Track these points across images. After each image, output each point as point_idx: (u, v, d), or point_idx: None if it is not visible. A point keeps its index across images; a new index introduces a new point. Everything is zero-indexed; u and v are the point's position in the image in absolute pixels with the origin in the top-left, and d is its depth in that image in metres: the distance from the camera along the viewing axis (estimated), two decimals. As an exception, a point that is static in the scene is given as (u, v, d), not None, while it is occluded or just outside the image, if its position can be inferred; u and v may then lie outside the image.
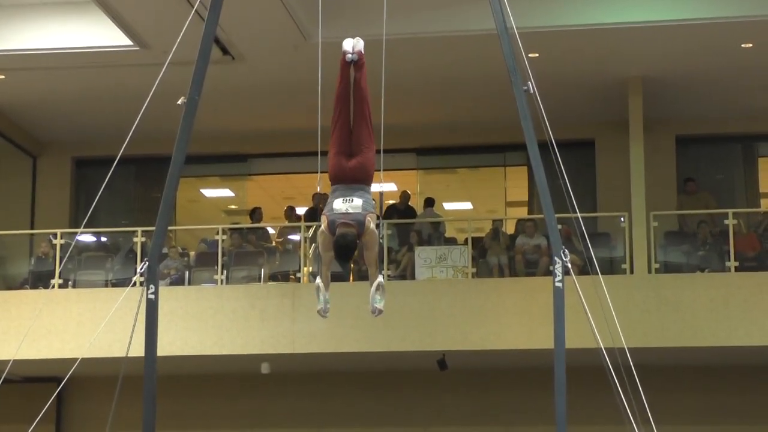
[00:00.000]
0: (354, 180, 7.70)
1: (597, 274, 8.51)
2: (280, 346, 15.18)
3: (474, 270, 15.72)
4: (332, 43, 15.13)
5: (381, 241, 14.37)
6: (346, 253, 7.58)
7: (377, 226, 7.74)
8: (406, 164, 18.63)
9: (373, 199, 7.79)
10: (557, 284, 7.73)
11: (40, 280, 16.49)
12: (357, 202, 7.59)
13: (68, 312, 15.39)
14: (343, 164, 7.72)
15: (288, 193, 19.99)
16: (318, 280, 7.84)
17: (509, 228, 17.17)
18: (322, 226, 7.65)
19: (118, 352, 13.40)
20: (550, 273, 7.99)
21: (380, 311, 7.78)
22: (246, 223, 17.71)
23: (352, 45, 7.93)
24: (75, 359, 9.35)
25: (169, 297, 14.42)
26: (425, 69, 15.56)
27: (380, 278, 7.81)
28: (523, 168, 18.23)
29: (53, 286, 15.79)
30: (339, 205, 7.60)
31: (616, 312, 8.39)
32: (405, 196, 17.70)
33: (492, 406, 17.28)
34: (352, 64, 7.91)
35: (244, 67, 15.64)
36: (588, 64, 15.73)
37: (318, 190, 8.49)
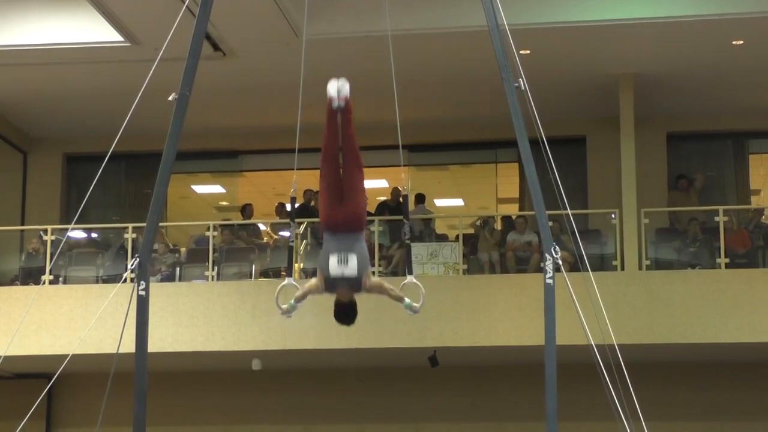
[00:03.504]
0: (347, 229, 7.63)
1: (588, 270, 8.52)
2: (272, 343, 15.18)
3: (465, 266, 15.73)
4: (324, 40, 15.17)
5: (372, 240, 14.43)
6: (346, 318, 7.63)
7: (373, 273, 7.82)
8: (397, 161, 18.60)
9: (366, 242, 7.80)
10: (548, 281, 7.74)
11: (30, 276, 16.47)
12: (353, 263, 7.51)
13: (59, 308, 15.37)
14: (335, 213, 7.63)
15: (279, 189, 19.98)
16: (287, 281, 7.84)
17: (500, 224, 17.18)
18: (317, 282, 7.64)
19: (108, 348, 13.38)
20: (540, 270, 8.00)
21: (417, 310, 7.86)
22: (237, 220, 17.71)
23: (337, 89, 7.53)
24: (66, 356, 9.34)
25: (159, 293, 14.42)
26: (416, 66, 15.55)
27: (410, 278, 7.95)
28: (514, 165, 18.24)
29: (44, 283, 15.76)
30: (334, 266, 7.52)
31: (607, 309, 8.40)
32: (396, 193, 17.70)
33: (483, 403, 17.30)
34: (339, 111, 7.57)
35: (235, 64, 15.63)
36: (579, 61, 15.74)
37: (292, 190, 8.49)
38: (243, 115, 18.05)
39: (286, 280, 7.96)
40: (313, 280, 7.76)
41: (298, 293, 7.89)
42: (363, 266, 7.57)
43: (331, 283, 7.56)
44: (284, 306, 7.94)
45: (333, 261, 7.53)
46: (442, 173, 20.16)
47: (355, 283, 7.54)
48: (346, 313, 7.60)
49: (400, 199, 17.66)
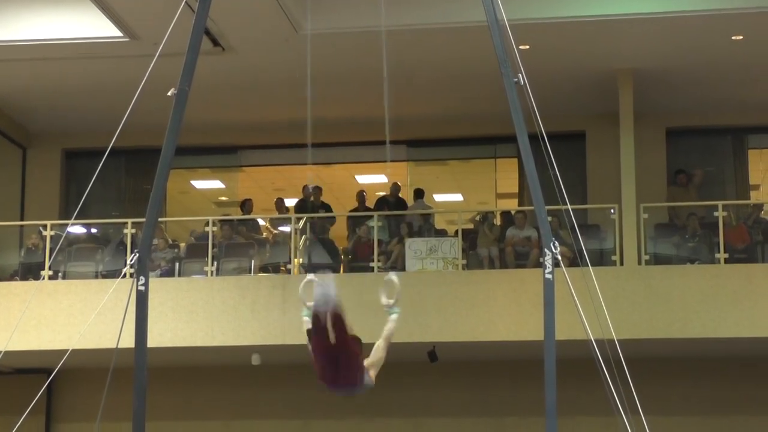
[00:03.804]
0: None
1: (587, 265, 8.54)
2: (271, 338, 15.18)
3: (464, 262, 15.72)
4: (323, 35, 15.16)
5: (371, 236, 14.41)
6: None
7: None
8: (397, 156, 18.62)
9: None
10: (547, 276, 7.76)
11: (30, 271, 16.47)
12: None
13: (58, 303, 15.37)
14: (332, 384, 7.69)
15: (278, 184, 19.99)
16: (311, 276, 7.65)
17: (499, 220, 17.19)
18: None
19: (108, 343, 13.36)
20: (540, 265, 8.02)
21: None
22: (236, 215, 17.71)
23: (322, 296, 7.04)
24: (65, 351, 9.36)
25: (159, 288, 14.42)
26: (415, 61, 15.55)
27: (392, 276, 7.67)
28: (513, 160, 18.24)
29: (43, 278, 15.76)
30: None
31: (606, 303, 8.42)
32: (395, 188, 17.70)
33: (482, 398, 17.31)
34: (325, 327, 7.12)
35: (234, 59, 15.62)
36: (579, 56, 15.74)
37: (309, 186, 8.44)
38: (242, 111, 18.04)
39: (309, 276, 7.77)
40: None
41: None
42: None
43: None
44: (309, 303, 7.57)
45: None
46: (441, 168, 20.16)
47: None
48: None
49: (400, 195, 17.71)
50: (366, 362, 7.51)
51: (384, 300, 7.63)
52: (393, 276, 7.68)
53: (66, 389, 17.68)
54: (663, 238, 16.09)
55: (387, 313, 7.64)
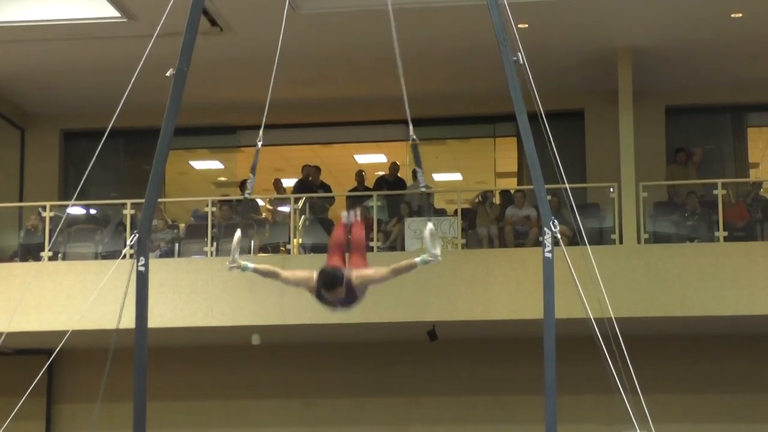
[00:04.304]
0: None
1: (586, 244, 8.54)
2: (271, 318, 15.21)
3: (464, 241, 15.73)
4: (322, 14, 15.10)
5: (371, 216, 14.41)
6: (331, 280, 7.60)
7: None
8: (396, 135, 18.60)
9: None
10: (547, 255, 7.76)
11: (29, 252, 16.48)
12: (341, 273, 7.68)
13: (58, 284, 15.39)
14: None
15: (277, 164, 19.97)
16: (239, 233, 7.82)
17: (498, 199, 17.18)
18: (306, 277, 7.69)
19: (108, 324, 13.34)
20: (539, 244, 8.01)
21: (437, 256, 7.63)
22: (235, 195, 17.70)
23: (349, 215, 8.23)
24: (66, 332, 9.37)
25: (159, 269, 14.43)
26: (414, 40, 15.48)
27: (429, 225, 7.68)
28: (512, 139, 18.22)
29: (43, 259, 15.77)
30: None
31: (605, 282, 8.42)
32: (394, 168, 17.69)
33: (482, 377, 17.35)
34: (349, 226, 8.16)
35: (232, 39, 15.59)
36: (577, 35, 15.70)
37: (257, 145, 8.51)
38: (241, 91, 17.99)
39: (239, 232, 7.86)
40: (300, 273, 7.80)
41: (262, 267, 7.88)
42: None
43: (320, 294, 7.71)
44: (241, 262, 7.79)
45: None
46: (440, 148, 20.13)
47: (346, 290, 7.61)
48: (333, 276, 7.58)
49: (398, 174, 17.70)
50: (365, 270, 7.71)
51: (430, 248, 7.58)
52: (431, 226, 7.70)
53: (66, 370, 17.72)
54: (662, 216, 16.09)
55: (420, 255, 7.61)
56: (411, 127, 8.00)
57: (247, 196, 8.53)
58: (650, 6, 14.81)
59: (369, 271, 7.73)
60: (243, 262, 7.82)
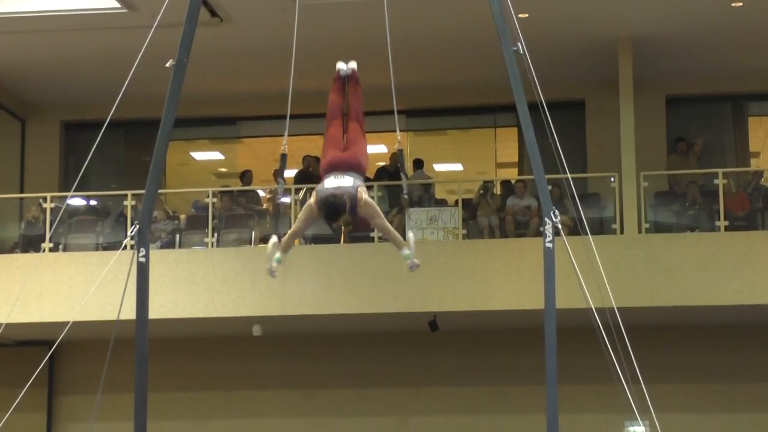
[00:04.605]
0: (347, 168, 7.71)
1: (587, 234, 8.54)
2: (272, 308, 15.21)
3: (464, 231, 15.73)
4: (323, 5, 15.08)
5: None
6: (332, 212, 7.56)
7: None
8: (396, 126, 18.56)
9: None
10: (547, 245, 7.76)
11: (30, 243, 16.48)
12: (348, 179, 7.62)
13: (59, 276, 15.39)
14: (336, 156, 7.77)
15: (277, 155, 19.86)
16: (274, 239, 7.83)
17: (499, 189, 17.17)
18: (311, 200, 7.65)
19: (109, 315, 13.39)
20: (540, 234, 8.01)
21: (417, 265, 7.74)
22: (236, 186, 17.70)
23: (345, 65, 8.15)
24: (66, 323, 9.37)
25: (159, 260, 14.43)
26: (415, 30, 15.49)
27: (410, 234, 7.76)
28: (513, 129, 18.21)
29: (44, 250, 15.77)
30: (330, 182, 7.63)
31: (606, 272, 8.42)
32: (395, 158, 17.67)
33: (483, 367, 17.35)
34: (346, 78, 8.09)
35: (232, 29, 15.57)
36: (578, 25, 15.68)
37: (283, 148, 8.49)
38: (241, 82, 18.00)
39: (273, 238, 7.89)
40: (305, 208, 7.73)
41: (276, 239, 7.82)
42: (357, 182, 7.64)
43: (323, 200, 7.57)
44: (275, 264, 7.80)
45: (329, 179, 7.65)
46: (440, 138, 20.12)
47: (348, 196, 7.54)
48: (335, 204, 7.52)
49: (398, 164, 17.67)
50: (371, 205, 7.72)
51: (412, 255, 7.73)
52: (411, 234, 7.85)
53: (68, 361, 17.73)
54: (663, 206, 16.08)
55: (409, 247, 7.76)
56: (399, 136, 8.01)
57: (279, 200, 8.50)
58: (651, -5, 14.80)
59: (372, 204, 7.69)
60: (275, 263, 7.78)
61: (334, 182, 7.59)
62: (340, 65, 8.13)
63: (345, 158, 7.72)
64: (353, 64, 8.14)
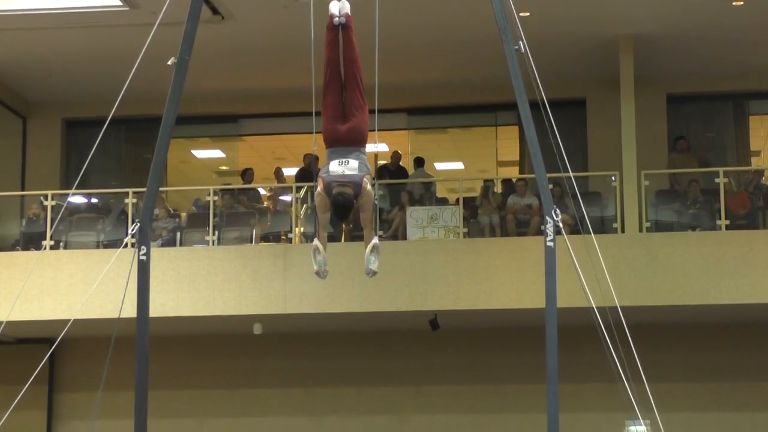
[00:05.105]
0: (349, 143, 7.69)
1: (588, 233, 8.53)
2: (272, 307, 15.21)
3: (465, 230, 15.73)
4: (324, 2, 15.07)
5: (375, 202, 14.38)
6: (344, 212, 7.59)
7: (373, 186, 7.77)
8: (398, 124, 18.59)
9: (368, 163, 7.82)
10: (548, 243, 7.75)
11: (31, 241, 16.49)
12: (353, 164, 7.59)
13: (60, 273, 15.39)
14: (337, 128, 7.70)
15: (279, 153, 19.96)
16: (316, 241, 7.84)
17: (500, 188, 17.17)
18: (319, 188, 7.65)
19: (110, 313, 13.41)
20: (541, 232, 8.01)
21: (374, 272, 7.77)
22: (237, 184, 17.71)
23: (338, 8, 7.79)
24: (67, 320, 9.36)
25: (160, 258, 14.44)
26: (416, 28, 15.50)
27: (375, 239, 7.79)
28: (514, 127, 18.21)
29: (45, 248, 15.77)
30: (335, 167, 7.61)
31: (608, 271, 8.42)
32: (396, 157, 17.68)
33: (483, 365, 17.35)
34: (340, 27, 7.78)
35: (234, 27, 15.57)
36: (579, 23, 15.68)
37: (314, 150, 8.45)
38: (242, 79, 18.00)
39: (315, 241, 7.87)
40: (316, 198, 7.70)
41: (317, 241, 7.78)
42: (363, 168, 7.61)
43: (330, 184, 7.55)
44: (316, 268, 7.84)
45: (334, 163, 7.60)
46: (441, 136, 20.13)
47: (353, 184, 7.53)
48: (345, 206, 7.51)
49: (400, 163, 17.69)
50: (368, 197, 7.67)
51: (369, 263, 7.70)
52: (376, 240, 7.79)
53: (68, 359, 17.73)
54: (664, 204, 16.08)
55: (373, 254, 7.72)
56: (378, 149, 7.97)
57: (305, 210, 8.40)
58: (652, -6, 14.80)
59: (370, 195, 7.67)
60: (323, 265, 7.80)
61: (338, 168, 7.57)
62: (333, 9, 7.78)
63: (346, 132, 7.67)
64: (347, 7, 7.85)
